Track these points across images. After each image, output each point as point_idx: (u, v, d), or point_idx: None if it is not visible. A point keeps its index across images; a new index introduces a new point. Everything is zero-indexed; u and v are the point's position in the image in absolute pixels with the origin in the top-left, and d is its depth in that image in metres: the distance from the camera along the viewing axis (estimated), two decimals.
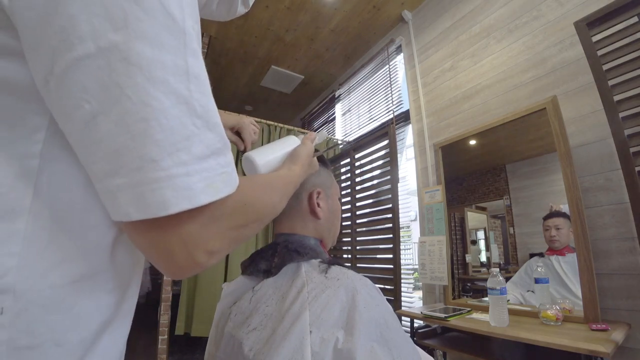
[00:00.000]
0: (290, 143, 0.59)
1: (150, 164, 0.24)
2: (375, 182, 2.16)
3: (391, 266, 1.89)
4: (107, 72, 0.23)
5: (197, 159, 0.26)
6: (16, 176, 0.26)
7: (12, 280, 0.25)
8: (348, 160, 2.46)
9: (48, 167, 0.27)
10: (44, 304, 0.27)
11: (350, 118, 3.00)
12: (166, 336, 1.90)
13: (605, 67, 1.12)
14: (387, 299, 0.55)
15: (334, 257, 2.33)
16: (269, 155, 0.56)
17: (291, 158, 0.56)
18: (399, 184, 1.99)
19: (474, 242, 1.69)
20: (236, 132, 0.78)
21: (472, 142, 1.69)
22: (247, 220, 0.34)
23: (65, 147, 0.27)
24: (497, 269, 1.20)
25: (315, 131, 3.52)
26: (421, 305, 1.94)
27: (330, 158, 2.66)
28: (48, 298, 0.27)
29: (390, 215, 1.96)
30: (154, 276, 4.79)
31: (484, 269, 1.64)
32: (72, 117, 0.24)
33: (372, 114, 2.66)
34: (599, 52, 1.13)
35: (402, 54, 2.40)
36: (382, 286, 1.87)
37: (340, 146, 2.79)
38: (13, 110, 0.26)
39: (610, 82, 1.10)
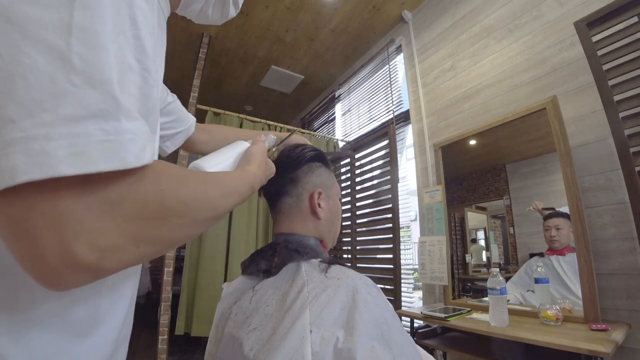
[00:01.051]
0: (241, 146, 0.56)
1: (8, 124, 0.20)
2: (375, 182, 2.16)
3: (391, 266, 1.89)
4: None
5: (65, 120, 0.21)
6: None
7: None
8: (348, 160, 2.46)
9: None
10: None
11: (350, 118, 3.00)
12: (166, 336, 1.90)
13: (605, 67, 1.12)
14: (387, 299, 0.55)
15: (334, 257, 2.33)
16: (218, 161, 0.51)
17: (244, 159, 0.52)
18: (399, 184, 1.99)
19: (474, 240, 1.69)
20: None
21: (472, 142, 1.69)
22: (165, 213, 0.27)
23: None
24: (497, 269, 1.20)
25: (314, 131, 3.51)
26: (421, 305, 1.94)
27: (331, 158, 2.66)
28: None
29: (390, 215, 1.96)
30: (154, 276, 4.79)
31: (484, 269, 1.64)
32: None
33: (372, 114, 2.66)
34: (599, 52, 1.13)
35: (402, 54, 2.40)
36: (382, 286, 1.87)
37: (338, 148, 2.79)
38: None
39: (610, 82, 1.10)
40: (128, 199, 0.24)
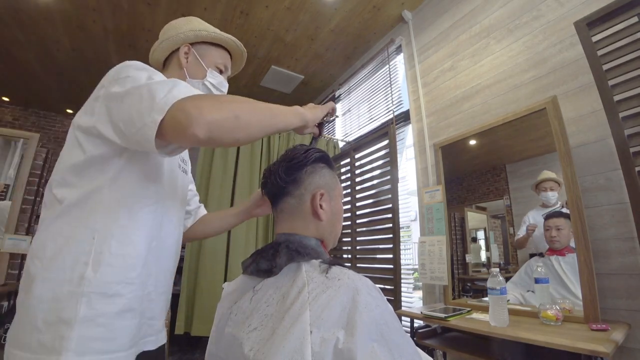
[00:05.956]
0: None
1: (151, 101, 0.55)
2: (375, 182, 2.16)
3: (391, 266, 1.88)
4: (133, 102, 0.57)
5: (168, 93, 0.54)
6: None
7: None
8: (348, 160, 2.46)
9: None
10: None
11: (350, 118, 3.00)
12: (166, 336, 1.90)
13: (605, 67, 1.12)
14: (387, 299, 0.55)
15: (335, 258, 2.33)
16: None
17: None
18: (399, 184, 1.99)
19: (474, 239, 1.69)
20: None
21: (472, 142, 1.69)
22: (225, 99, 0.56)
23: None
24: (497, 269, 1.20)
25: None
26: (421, 305, 1.94)
27: (331, 158, 2.66)
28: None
29: (390, 215, 1.95)
30: None
31: (484, 269, 1.64)
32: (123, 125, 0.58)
33: (372, 114, 2.66)
34: (599, 52, 1.13)
35: (402, 54, 2.40)
36: (382, 286, 1.87)
37: (339, 149, 2.79)
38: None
39: (610, 82, 1.10)
40: (205, 102, 0.53)
